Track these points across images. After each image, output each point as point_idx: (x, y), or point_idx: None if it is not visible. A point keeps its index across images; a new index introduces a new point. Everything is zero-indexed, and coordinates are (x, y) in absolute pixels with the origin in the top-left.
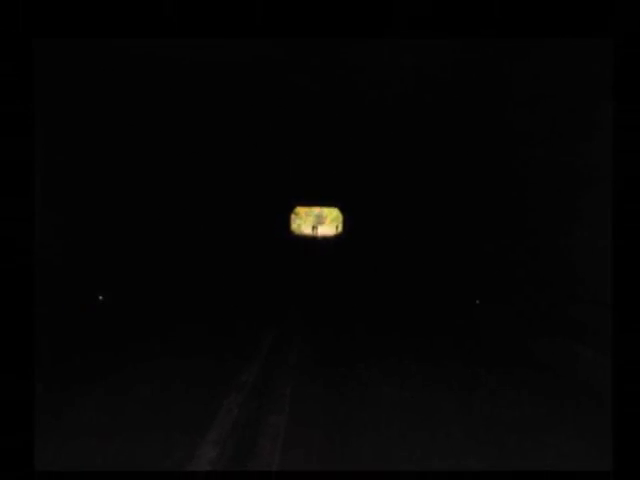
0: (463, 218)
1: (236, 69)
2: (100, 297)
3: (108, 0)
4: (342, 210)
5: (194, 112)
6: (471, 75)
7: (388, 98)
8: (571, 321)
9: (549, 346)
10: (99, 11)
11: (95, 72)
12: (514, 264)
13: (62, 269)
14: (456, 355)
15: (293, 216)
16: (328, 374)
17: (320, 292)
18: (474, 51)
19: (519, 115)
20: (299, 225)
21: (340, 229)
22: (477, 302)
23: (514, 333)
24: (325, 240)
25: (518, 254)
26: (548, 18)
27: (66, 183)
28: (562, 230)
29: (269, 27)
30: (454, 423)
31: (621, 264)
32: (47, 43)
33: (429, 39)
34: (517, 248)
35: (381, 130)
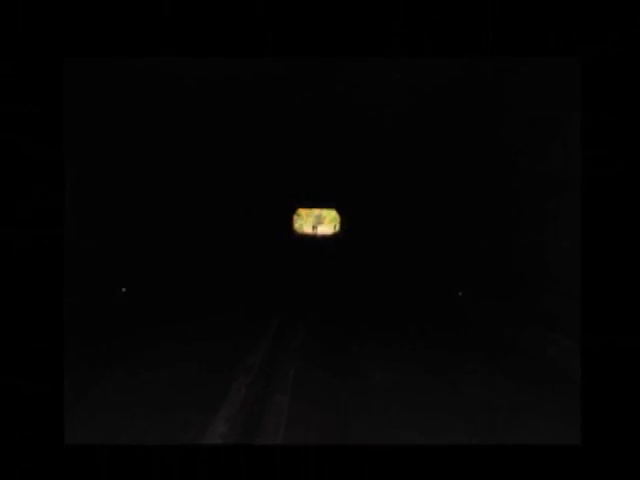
0: (451, 220)
1: (243, 85)
2: (123, 289)
3: (130, 22)
4: (339, 211)
5: (207, 123)
6: (462, 88)
7: (385, 111)
8: (545, 312)
9: (527, 334)
10: (122, 32)
11: (114, 85)
12: (496, 261)
13: (90, 264)
14: (444, 342)
15: (295, 217)
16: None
17: (320, 285)
18: (466, 69)
19: (503, 125)
20: (301, 225)
21: (338, 228)
22: (460, 294)
23: (496, 322)
24: (324, 238)
25: (500, 252)
26: (528, 40)
27: (93, 188)
28: (537, 229)
29: (273, 47)
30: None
31: (588, 260)
32: (74, 62)
33: (425, 58)
34: (499, 246)
35: (376, 139)
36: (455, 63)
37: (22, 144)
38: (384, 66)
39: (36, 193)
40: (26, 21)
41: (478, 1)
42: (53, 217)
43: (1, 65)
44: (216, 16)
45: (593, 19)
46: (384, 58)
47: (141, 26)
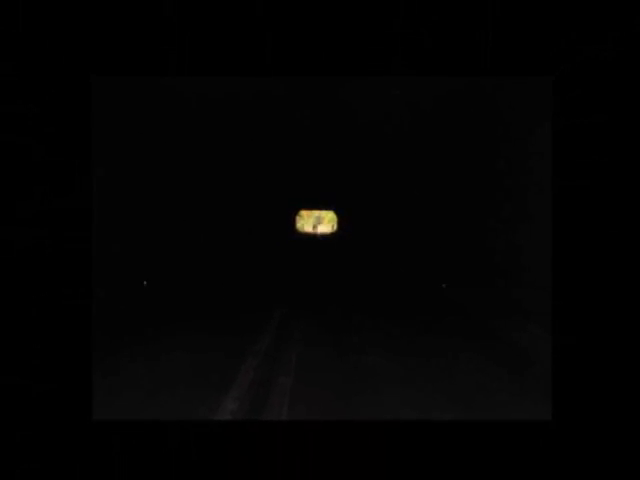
0: (437, 221)
1: (253, 100)
2: (144, 282)
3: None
4: (337, 212)
5: (222, 137)
6: (450, 101)
7: (380, 125)
8: (520, 303)
9: (504, 323)
10: (144, 52)
11: (136, 102)
12: (477, 258)
13: (116, 261)
14: (431, 330)
15: (297, 217)
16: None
17: (319, 278)
18: (454, 84)
19: (487, 136)
20: (302, 225)
21: (335, 228)
22: (444, 286)
23: (476, 313)
24: (323, 236)
25: (482, 249)
26: (507, 60)
27: (120, 192)
28: (513, 229)
29: (277, 68)
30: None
31: (559, 257)
32: (101, 80)
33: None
34: (480, 244)
35: (369, 149)
36: (442, 80)
37: (54, 155)
38: (383, 82)
39: (69, 200)
40: (54, 39)
41: (474, 22)
42: (83, 220)
43: (33, 80)
44: (228, 40)
45: (564, 41)
46: (383, 77)
47: (152, 45)
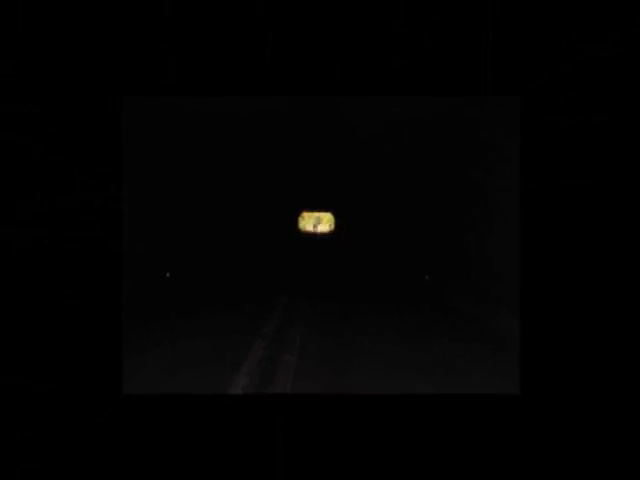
0: (421, 222)
1: (256, 118)
2: (167, 274)
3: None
4: (334, 214)
5: (235, 151)
6: (428, 120)
7: (375, 138)
8: (491, 291)
9: (477, 308)
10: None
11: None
12: (456, 253)
13: (142, 255)
14: (416, 315)
15: (300, 218)
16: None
17: (319, 271)
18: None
19: (465, 149)
20: (304, 225)
21: (332, 227)
22: (426, 277)
23: (453, 300)
24: (322, 234)
25: (460, 247)
26: (475, 80)
27: (146, 195)
28: (487, 230)
29: (280, 88)
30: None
31: (526, 256)
32: (130, 100)
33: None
34: (459, 242)
35: (363, 159)
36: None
37: (86, 168)
38: (380, 100)
39: (101, 204)
40: (84, 60)
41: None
42: (115, 223)
43: (67, 97)
44: (232, 58)
45: (532, 62)
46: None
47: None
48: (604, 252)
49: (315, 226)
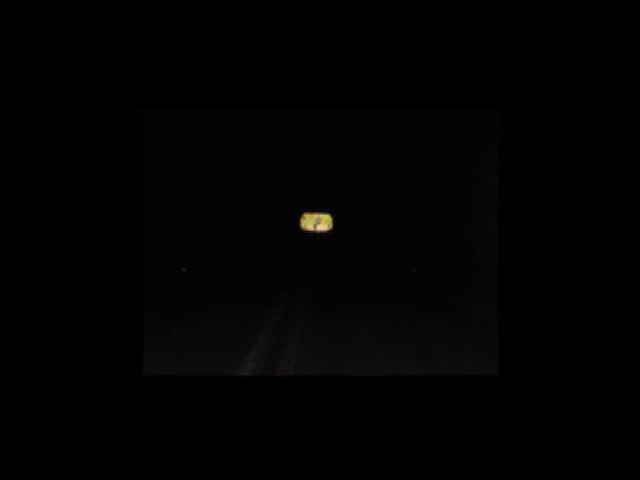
0: (410, 221)
1: (269, 132)
2: (183, 268)
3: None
4: (332, 215)
5: (248, 159)
6: (415, 131)
7: (370, 149)
8: (473, 284)
9: (460, 299)
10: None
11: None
12: (440, 248)
13: (160, 250)
14: (405, 304)
15: (301, 218)
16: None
17: (318, 265)
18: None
19: (447, 154)
20: (305, 224)
21: (331, 226)
22: (414, 271)
23: (439, 291)
24: (321, 233)
25: (443, 241)
26: (455, 94)
27: (163, 194)
28: (467, 224)
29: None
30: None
31: (503, 249)
32: (149, 112)
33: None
34: (442, 237)
35: (358, 167)
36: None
37: (108, 176)
38: (365, 114)
39: (122, 205)
40: (103, 74)
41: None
42: (134, 222)
43: (83, 110)
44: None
45: (510, 77)
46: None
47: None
48: (576, 245)
49: (315, 225)
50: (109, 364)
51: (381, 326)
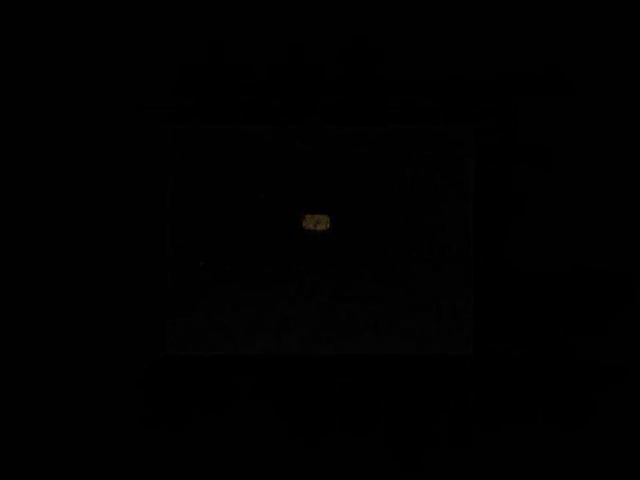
0: (402, 222)
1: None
2: (201, 263)
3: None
4: (330, 216)
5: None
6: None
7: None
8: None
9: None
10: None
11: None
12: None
13: (178, 246)
14: (396, 291)
15: (302, 219)
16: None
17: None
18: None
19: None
20: (305, 224)
21: (329, 226)
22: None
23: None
24: (321, 232)
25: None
26: (432, 111)
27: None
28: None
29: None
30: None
31: (478, 238)
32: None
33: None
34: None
35: (358, 170)
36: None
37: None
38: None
39: (145, 208)
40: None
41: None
42: (157, 222)
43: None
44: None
45: (485, 94)
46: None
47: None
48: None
49: (315, 225)
50: (132, 343)
51: (376, 313)
